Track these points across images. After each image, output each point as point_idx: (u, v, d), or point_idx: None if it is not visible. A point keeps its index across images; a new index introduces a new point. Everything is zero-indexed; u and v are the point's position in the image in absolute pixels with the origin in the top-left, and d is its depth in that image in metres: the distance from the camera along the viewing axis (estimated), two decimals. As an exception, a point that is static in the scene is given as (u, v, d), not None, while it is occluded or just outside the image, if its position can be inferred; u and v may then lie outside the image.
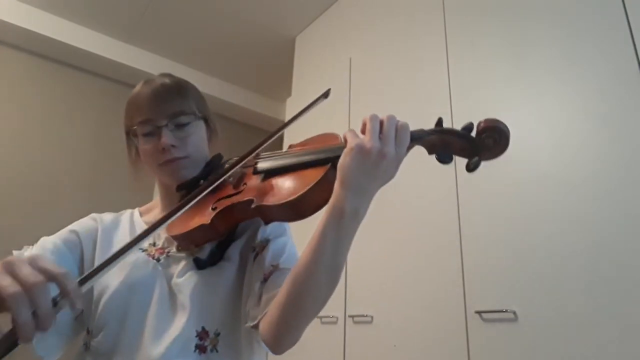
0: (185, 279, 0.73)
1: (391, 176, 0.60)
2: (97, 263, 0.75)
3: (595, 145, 1.21)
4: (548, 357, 1.15)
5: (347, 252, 0.61)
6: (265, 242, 0.77)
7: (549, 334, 1.16)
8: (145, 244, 0.80)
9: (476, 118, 0.59)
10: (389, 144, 0.57)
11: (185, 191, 0.79)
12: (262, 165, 0.75)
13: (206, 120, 0.86)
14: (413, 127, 0.60)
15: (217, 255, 0.76)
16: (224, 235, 0.76)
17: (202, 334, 0.71)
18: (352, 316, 1.72)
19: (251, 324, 0.68)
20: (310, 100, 0.76)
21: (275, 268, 0.72)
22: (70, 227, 0.81)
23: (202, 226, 0.71)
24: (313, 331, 1.81)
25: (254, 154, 0.72)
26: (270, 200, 0.66)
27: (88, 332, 0.74)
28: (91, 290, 0.74)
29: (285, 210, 0.66)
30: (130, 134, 0.82)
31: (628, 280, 1.07)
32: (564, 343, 1.13)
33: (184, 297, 0.72)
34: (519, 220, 1.31)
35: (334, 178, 0.61)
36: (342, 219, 0.58)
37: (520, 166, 1.34)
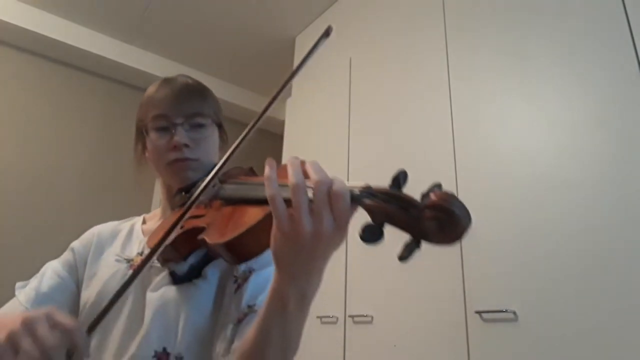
0: (157, 294, 0.69)
1: (338, 244, 0.47)
2: (85, 279, 0.75)
3: (595, 146, 1.21)
4: (548, 357, 1.15)
5: (302, 329, 0.54)
6: (248, 274, 0.70)
7: (549, 334, 1.16)
8: (133, 254, 0.78)
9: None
10: (323, 222, 0.44)
11: (185, 195, 0.74)
12: (225, 189, 0.64)
13: (220, 128, 0.84)
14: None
15: (194, 272, 0.70)
16: (185, 258, 0.68)
17: (161, 355, 0.65)
18: (352, 316, 1.72)
19: None
20: (312, 45, 0.62)
21: (250, 310, 0.66)
22: (73, 243, 0.81)
23: (168, 245, 0.58)
24: (313, 331, 1.82)
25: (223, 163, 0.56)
26: (210, 238, 0.57)
27: None
28: (73, 307, 0.74)
29: (223, 252, 0.55)
30: (142, 128, 0.79)
31: (628, 280, 1.07)
32: (564, 343, 1.13)
33: (150, 312, 0.67)
34: (519, 221, 1.31)
35: None
36: (286, 308, 0.50)
37: (520, 166, 1.34)
